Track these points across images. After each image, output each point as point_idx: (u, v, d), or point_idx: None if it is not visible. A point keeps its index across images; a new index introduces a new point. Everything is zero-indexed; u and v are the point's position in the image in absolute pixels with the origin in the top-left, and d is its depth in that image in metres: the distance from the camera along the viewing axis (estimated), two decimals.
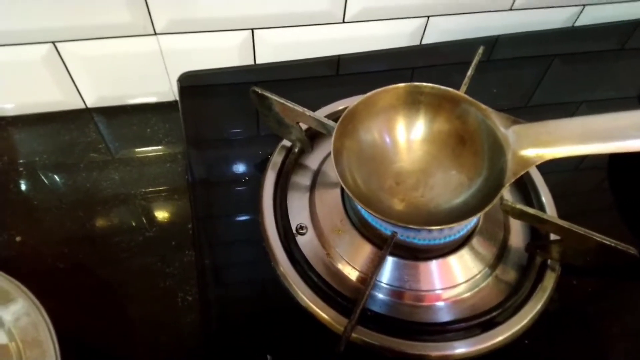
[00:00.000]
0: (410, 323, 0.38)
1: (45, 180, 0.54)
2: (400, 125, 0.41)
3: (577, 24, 0.71)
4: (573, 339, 0.40)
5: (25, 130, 0.58)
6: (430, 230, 0.37)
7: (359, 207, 0.36)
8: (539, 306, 0.39)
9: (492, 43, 0.66)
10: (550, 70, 0.66)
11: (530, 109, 0.62)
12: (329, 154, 0.47)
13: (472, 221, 0.40)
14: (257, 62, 0.61)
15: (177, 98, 0.60)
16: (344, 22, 0.59)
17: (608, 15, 0.70)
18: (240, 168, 0.49)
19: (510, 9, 0.65)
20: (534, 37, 0.68)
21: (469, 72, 0.44)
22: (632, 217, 0.49)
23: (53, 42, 0.52)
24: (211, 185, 0.49)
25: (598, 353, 0.39)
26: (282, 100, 0.41)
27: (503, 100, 0.61)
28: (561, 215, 0.44)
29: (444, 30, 0.64)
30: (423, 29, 0.63)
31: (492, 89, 0.61)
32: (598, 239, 0.36)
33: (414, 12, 0.61)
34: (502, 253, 0.43)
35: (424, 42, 0.65)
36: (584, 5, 0.68)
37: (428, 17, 0.62)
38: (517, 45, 0.68)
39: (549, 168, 0.43)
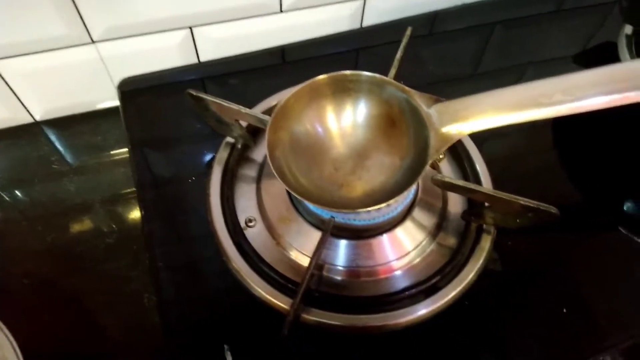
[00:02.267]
0: (363, 298, 0.41)
1: (2, 199, 0.54)
2: (331, 114, 0.43)
3: None
4: (510, 297, 0.43)
5: None
6: (368, 211, 0.39)
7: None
8: (476, 267, 0.42)
9: (432, 19, 0.68)
10: (493, 38, 0.68)
11: (478, 76, 0.64)
12: None
13: (407, 197, 0.42)
14: (200, 57, 0.62)
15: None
16: (281, 11, 0.60)
17: None
18: (187, 167, 0.50)
19: None
20: (472, 8, 0.70)
21: (398, 55, 0.45)
22: (568, 178, 0.52)
23: None
24: (159, 187, 0.50)
25: (533, 308, 0.43)
26: (217, 100, 0.42)
27: (453, 69, 0.63)
28: (496, 181, 0.47)
29: (382, 10, 0.65)
30: (361, 12, 0.64)
31: (430, 65, 0.62)
32: (522, 202, 0.38)
33: None
34: (442, 221, 0.46)
35: (365, 24, 0.66)
36: None
37: None
38: (457, 18, 0.70)
39: (483, 137, 0.45)
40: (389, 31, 0.66)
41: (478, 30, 0.69)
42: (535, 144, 0.55)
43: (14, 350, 0.37)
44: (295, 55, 0.63)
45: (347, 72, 0.41)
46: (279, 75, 0.62)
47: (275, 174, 0.37)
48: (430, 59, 0.64)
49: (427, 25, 0.67)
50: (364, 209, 0.36)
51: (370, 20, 0.66)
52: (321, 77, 0.41)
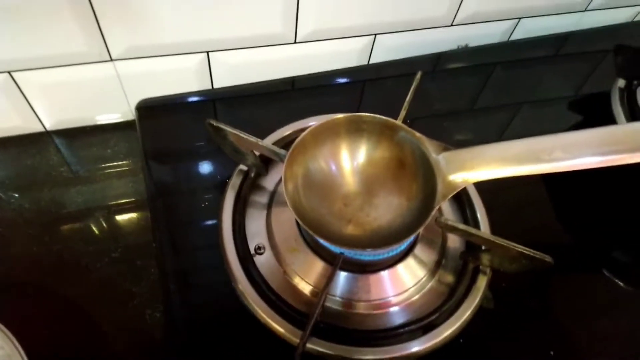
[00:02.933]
0: (360, 331, 0.43)
1: (9, 205, 0.55)
2: (345, 152, 0.45)
3: (513, 37, 0.76)
4: (503, 337, 0.45)
5: None
6: (373, 250, 0.41)
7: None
8: (472, 306, 0.44)
9: (436, 59, 0.71)
10: (491, 78, 0.72)
11: (475, 112, 0.67)
12: None
13: (410, 239, 0.44)
14: (214, 80, 0.64)
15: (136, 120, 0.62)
16: (295, 42, 0.62)
17: (541, 28, 0.76)
18: (199, 191, 0.52)
19: (451, 25, 0.69)
20: (474, 51, 0.73)
21: (408, 98, 0.48)
22: (559, 222, 0.55)
23: (9, 72, 0.53)
24: (171, 205, 0.51)
25: (523, 349, 0.45)
26: (235, 132, 0.44)
27: (451, 107, 0.66)
28: (494, 226, 0.49)
29: (390, 47, 0.68)
30: (371, 47, 0.67)
31: (436, 102, 0.65)
32: (518, 249, 0.41)
33: (361, 31, 0.64)
34: (441, 259, 0.48)
35: (372, 60, 0.69)
36: (519, 19, 0.74)
37: (375, 35, 0.66)
38: (459, 59, 0.73)
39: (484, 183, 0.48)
40: (394, 68, 0.69)
41: (478, 70, 0.73)
42: (532, 191, 0.58)
43: (22, 357, 0.38)
44: (304, 85, 0.66)
45: (363, 114, 0.43)
46: (289, 103, 0.65)
47: (291, 209, 0.39)
48: (432, 95, 0.67)
49: (431, 63, 0.70)
50: (374, 250, 0.38)
51: (377, 57, 0.69)
52: (338, 117, 0.43)
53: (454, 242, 0.49)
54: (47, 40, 0.52)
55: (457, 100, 0.67)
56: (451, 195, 0.40)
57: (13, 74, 0.53)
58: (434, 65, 0.71)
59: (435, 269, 0.47)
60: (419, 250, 0.46)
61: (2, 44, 0.50)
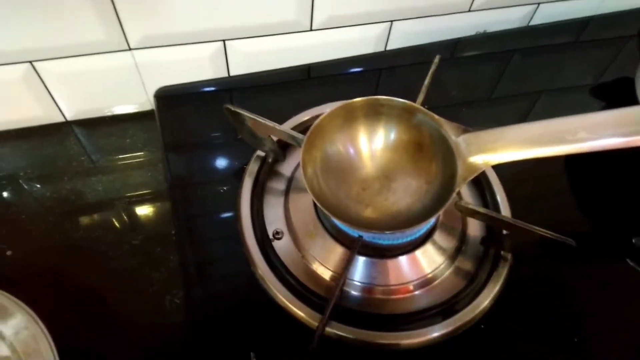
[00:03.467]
0: (380, 316, 0.43)
1: (31, 194, 0.56)
2: (363, 136, 0.45)
3: (532, 22, 0.75)
4: (524, 323, 0.45)
5: (8, 146, 0.60)
6: (393, 232, 0.41)
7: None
8: (494, 292, 0.44)
9: (453, 45, 0.70)
10: (510, 65, 0.71)
11: (493, 101, 0.66)
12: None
13: (430, 222, 0.44)
14: (230, 69, 0.64)
15: (154, 108, 0.62)
16: (311, 29, 0.62)
17: (560, 12, 0.74)
18: (218, 176, 0.52)
19: (469, 11, 0.68)
20: (492, 37, 0.72)
21: (426, 82, 0.47)
22: (580, 210, 0.54)
23: (30, 62, 0.54)
24: (190, 195, 0.52)
25: (546, 336, 0.44)
26: (253, 116, 0.44)
27: (468, 95, 0.65)
28: (514, 210, 0.48)
29: (407, 34, 0.67)
30: (387, 34, 0.67)
31: (453, 89, 0.65)
32: (541, 232, 0.40)
33: (377, 17, 0.64)
34: (461, 245, 0.47)
35: (389, 47, 0.68)
36: (538, 4, 0.72)
37: (391, 21, 0.65)
38: (477, 46, 0.72)
39: (505, 167, 0.47)
40: (411, 55, 0.68)
41: (497, 57, 0.72)
42: (553, 175, 0.57)
43: (48, 341, 0.39)
44: (320, 73, 0.65)
45: (381, 97, 0.43)
46: (304, 91, 0.64)
47: (309, 192, 0.39)
48: (450, 83, 0.66)
49: (448, 51, 0.69)
50: (394, 231, 0.37)
51: (394, 44, 0.68)
52: (356, 100, 0.43)
53: (474, 229, 0.49)
54: (67, 30, 0.52)
55: (475, 88, 0.66)
56: (472, 178, 0.39)
57: (34, 64, 0.54)
58: (452, 51, 0.70)
59: (454, 255, 0.46)
60: (438, 236, 0.46)
61: (23, 34, 0.51)
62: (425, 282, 0.44)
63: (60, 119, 0.62)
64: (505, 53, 0.72)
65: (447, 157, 0.41)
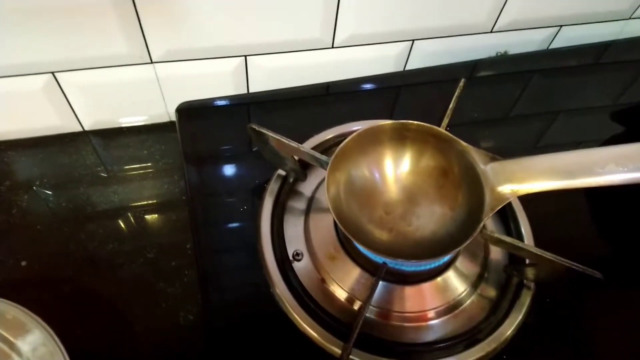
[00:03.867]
0: (399, 344, 0.42)
1: (47, 204, 0.56)
2: (388, 160, 0.45)
3: (553, 45, 0.75)
4: (548, 353, 0.44)
5: (25, 154, 0.60)
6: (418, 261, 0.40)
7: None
8: (516, 322, 0.43)
9: (472, 66, 0.70)
10: (529, 86, 0.70)
11: (514, 119, 0.66)
12: (321, 182, 0.50)
13: (455, 251, 0.43)
14: (250, 84, 0.64)
15: (173, 119, 0.62)
16: (333, 47, 0.62)
17: (582, 36, 0.74)
18: (238, 194, 0.52)
19: (491, 31, 0.68)
20: (512, 59, 0.72)
21: (451, 105, 0.47)
22: (604, 243, 0.53)
23: (52, 73, 0.54)
24: (209, 212, 0.51)
25: None
26: (277, 136, 0.44)
27: (487, 115, 0.65)
28: (538, 240, 0.48)
29: (428, 53, 0.67)
30: (408, 53, 0.66)
31: (474, 111, 0.64)
32: (567, 264, 0.39)
33: (399, 36, 0.64)
34: (483, 272, 0.47)
35: (409, 66, 0.68)
36: (561, 26, 0.72)
37: (413, 40, 0.65)
38: (496, 66, 0.72)
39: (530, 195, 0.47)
40: (431, 75, 0.68)
41: (517, 77, 0.71)
42: (576, 203, 0.56)
43: (63, 355, 0.38)
44: (339, 90, 0.65)
45: (407, 121, 0.43)
46: (323, 108, 0.64)
47: (333, 215, 0.38)
48: (470, 102, 0.65)
49: (468, 71, 0.69)
50: (418, 262, 0.37)
51: (414, 63, 0.68)
52: (382, 123, 0.43)
53: (496, 255, 0.48)
54: (90, 42, 0.52)
55: (494, 108, 0.66)
56: (499, 207, 0.38)
57: (56, 74, 0.54)
58: (471, 72, 0.69)
59: (477, 282, 0.45)
60: (460, 263, 0.45)
61: (47, 45, 0.51)
62: (447, 310, 0.44)
63: (78, 129, 0.62)
64: (525, 74, 0.72)
65: (473, 185, 0.40)
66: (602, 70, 0.75)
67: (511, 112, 0.66)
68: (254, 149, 0.55)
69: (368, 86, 0.65)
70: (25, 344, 0.39)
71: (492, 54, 0.72)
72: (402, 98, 0.65)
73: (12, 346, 0.38)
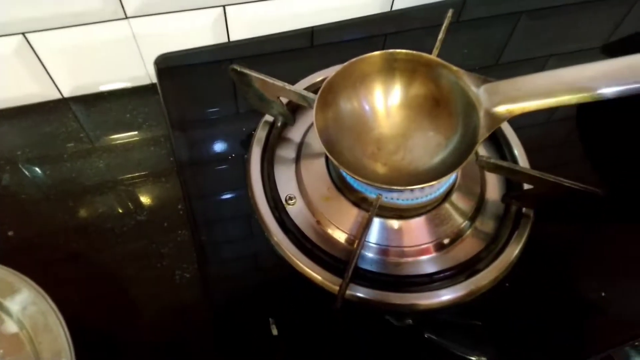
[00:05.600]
0: (399, 277, 0.41)
1: (31, 174, 0.54)
2: (377, 92, 0.43)
3: None
4: (552, 278, 0.43)
5: (5, 125, 0.58)
6: (412, 190, 0.39)
7: (345, 173, 0.38)
8: (516, 251, 0.42)
9: (461, 4, 0.67)
10: (518, 27, 0.68)
11: (501, 66, 0.64)
12: (311, 126, 0.49)
13: (450, 178, 0.42)
14: (230, 37, 0.61)
15: (154, 81, 0.60)
16: None
17: None
18: (225, 145, 0.50)
19: None
20: None
21: (440, 36, 0.45)
22: (597, 164, 0.52)
23: (23, 34, 0.51)
24: (198, 165, 0.50)
25: (570, 289, 0.43)
26: (261, 76, 0.42)
27: (474, 59, 0.63)
28: (533, 166, 0.47)
29: None
30: None
31: (462, 49, 0.62)
32: (567, 184, 0.38)
33: None
34: (480, 206, 0.46)
35: (395, 7, 0.66)
36: None
37: None
38: (485, 4, 0.70)
39: (520, 122, 0.45)
40: (419, 14, 0.65)
41: (504, 18, 0.69)
42: (567, 126, 0.55)
43: (57, 316, 0.37)
44: (324, 39, 0.63)
45: (395, 50, 0.41)
46: (308, 57, 0.62)
47: (324, 149, 0.37)
48: (456, 46, 0.64)
49: (456, 10, 0.67)
50: (417, 186, 0.36)
51: (400, 3, 0.66)
52: (369, 54, 0.41)
53: (492, 190, 0.47)
54: None
55: (482, 52, 0.64)
56: (496, 127, 0.37)
57: (27, 35, 0.52)
58: (459, 13, 0.67)
59: (474, 215, 0.45)
60: (455, 198, 0.44)
61: (16, 3, 0.48)
62: (444, 244, 0.43)
63: (57, 96, 0.60)
64: (513, 14, 0.70)
65: (468, 109, 0.39)
66: (591, 8, 0.73)
67: (502, 55, 0.65)
68: (238, 99, 0.53)
69: (354, 29, 0.62)
70: (14, 304, 0.37)
71: None
72: (390, 39, 0.63)
73: (0, 306, 0.37)
